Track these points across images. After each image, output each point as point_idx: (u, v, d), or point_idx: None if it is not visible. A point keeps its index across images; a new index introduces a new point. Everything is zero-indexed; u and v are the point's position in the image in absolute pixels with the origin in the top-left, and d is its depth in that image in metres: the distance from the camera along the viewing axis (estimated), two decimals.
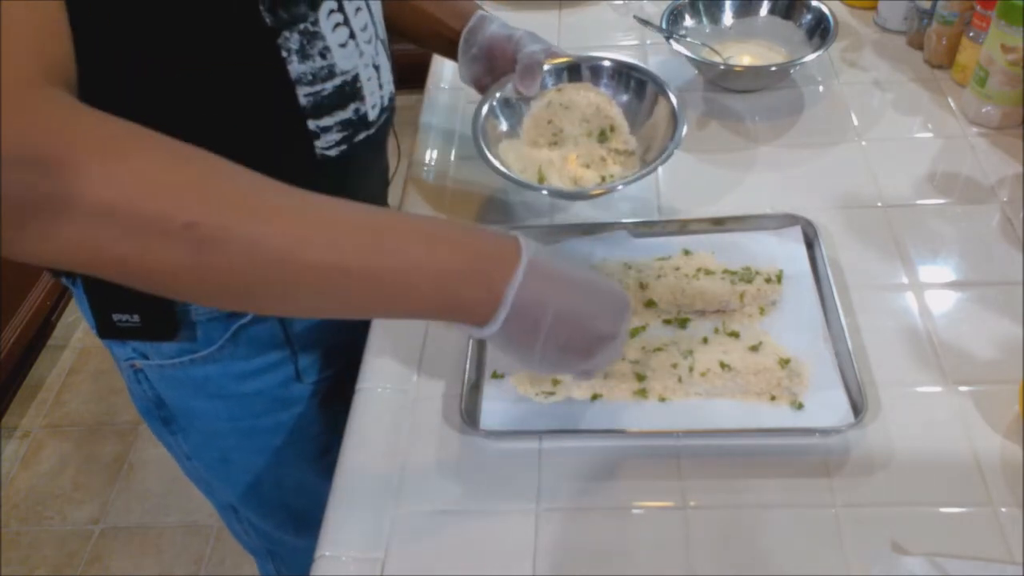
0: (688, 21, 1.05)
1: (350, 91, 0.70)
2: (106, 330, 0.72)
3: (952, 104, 0.96)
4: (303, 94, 0.66)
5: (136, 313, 0.71)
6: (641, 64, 0.89)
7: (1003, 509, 0.60)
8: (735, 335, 0.72)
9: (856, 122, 0.95)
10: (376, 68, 0.73)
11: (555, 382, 0.69)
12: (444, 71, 1.09)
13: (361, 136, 0.73)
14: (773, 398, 0.67)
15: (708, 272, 0.75)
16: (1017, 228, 0.80)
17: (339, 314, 0.55)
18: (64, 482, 1.81)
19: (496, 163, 0.81)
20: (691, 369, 0.69)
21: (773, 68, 0.98)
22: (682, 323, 0.74)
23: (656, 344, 0.71)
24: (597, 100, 0.86)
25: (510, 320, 0.53)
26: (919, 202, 0.85)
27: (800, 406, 0.66)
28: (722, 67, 0.97)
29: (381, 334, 0.77)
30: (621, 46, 1.11)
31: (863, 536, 0.60)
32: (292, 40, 0.63)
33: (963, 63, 0.96)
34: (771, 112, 0.97)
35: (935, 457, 0.64)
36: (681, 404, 0.67)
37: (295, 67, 0.65)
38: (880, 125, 0.94)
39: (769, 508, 0.62)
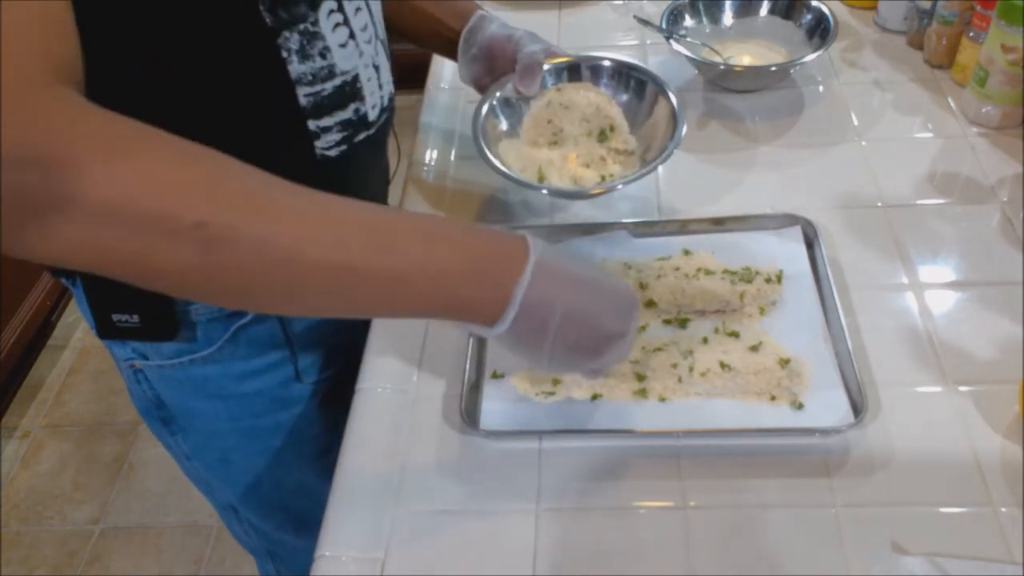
0: (688, 21, 1.05)
1: (350, 91, 0.70)
2: (106, 330, 0.72)
3: (952, 104, 0.96)
4: (303, 94, 0.66)
5: (136, 313, 0.71)
6: (641, 64, 0.89)
7: (1003, 509, 0.60)
8: (735, 335, 0.72)
9: (856, 122, 0.95)
10: (376, 68, 0.73)
11: (555, 382, 0.69)
12: (444, 71, 1.09)
13: (361, 136, 0.73)
14: (773, 398, 0.67)
15: (708, 272, 0.75)
16: (1017, 228, 0.80)
17: (346, 314, 0.55)
18: (64, 482, 1.81)
19: (496, 162, 0.81)
20: (691, 369, 0.69)
21: (773, 68, 0.98)
22: (682, 323, 0.74)
23: (656, 344, 0.71)
24: (597, 100, 0.86)
25: (519, 320, 0.53)
26: (919, 202, 0.85)
27: (800, 406, 0.66)
28: (722, 67, 0.97)
29: (381, 334, 0.77)
30: (621, 46, 1.11)
31: (863, 536, 0.60)
32: (292, 40, 0.63)
33: (963, 63, 0.96)
34: (771, 112, 0.97)
35: (935, 457, 0.64)
36: (681, 404, 0.67)
37: (295, 67, 0.65)
38: (880, 125, 0.94)
39: (769, 508, 0.62)
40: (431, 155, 0.97)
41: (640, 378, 0.69)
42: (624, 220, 0.82)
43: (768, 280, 0.75)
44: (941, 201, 0.85)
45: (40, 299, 2.06)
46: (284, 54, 0.63)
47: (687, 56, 0.98)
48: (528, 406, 0.69)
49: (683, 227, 0.81)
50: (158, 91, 0.60)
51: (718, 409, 0.67)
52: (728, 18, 1.06)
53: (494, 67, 0.86)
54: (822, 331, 0.71)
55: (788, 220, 0.80)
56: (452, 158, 0.96)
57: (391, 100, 0.78)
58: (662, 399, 0.68)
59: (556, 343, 0.55)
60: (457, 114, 1.02)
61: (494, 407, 0.69)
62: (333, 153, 0.71)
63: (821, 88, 1.00)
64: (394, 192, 0.94)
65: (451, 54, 0.88)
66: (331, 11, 0.66)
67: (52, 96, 0.45)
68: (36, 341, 2.07)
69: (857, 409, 0.64)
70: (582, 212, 0.87)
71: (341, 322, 0.84)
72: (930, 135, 0.92)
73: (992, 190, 0.85)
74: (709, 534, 0.61)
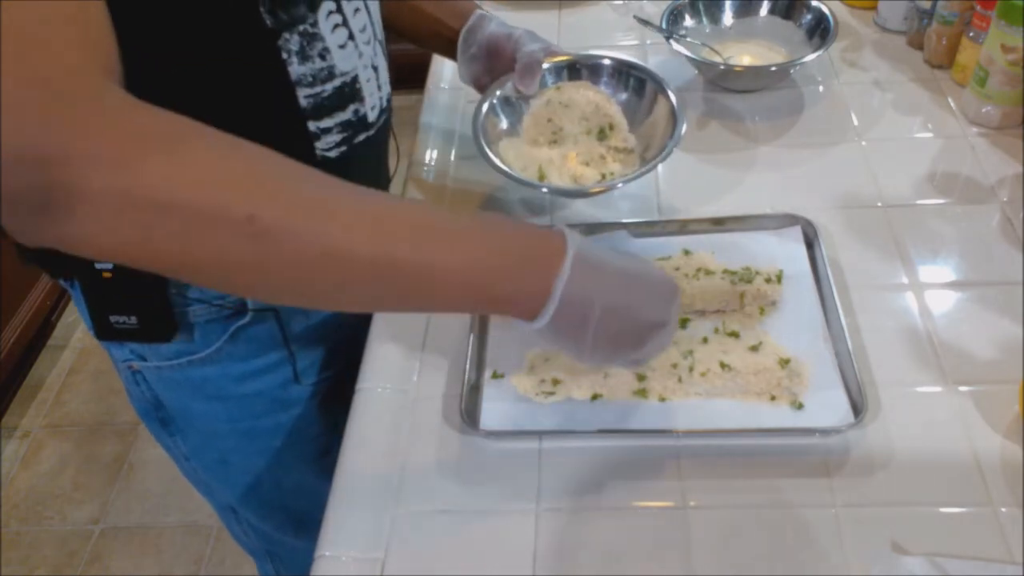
0: (688, 21, 1.05)
1: (349, 92, 0.70)
2: (104, 332, 0.72)
3: (952, 104, 0.95)
4: (303, 96, 0.66)
5: (133, 315, 0.71)
6: (640, 62, 0.89)
7: (1003, 509, 0.60)
8: (735, 335, 0.72)
9: (856, 122, 0.95)
10: (375, 69, 0.73)
11: (555, 382, 0.69)
12: (444, 71, 1.09)
13: (361, 137, 0.73)
14: (773, 398, 0.67)
15: (708, 272, 0.75)
16: (1017, 228, 0.80)
17: (388, 308, 0.56)
18: (64, 482, 1.81)
19: (497, 161, 0.81)
20: (691, 369, 0.69)
21: (773, 68, 0.97)
22: (682, 323, 0.73)
23: None
24: (596, 98, 0.86)
25: (559, 314, 0.53)
26: (919, 202, 0.84)
27: (800, 406, 0.66)
28: (722, 67, 0.97)
29: (381, 334, 0.77)
30: (621, 46, 1.11)
31: (863, 536, 0.60)
32: (292, 42, 0.63)
33: (963, 63, 0.96)
34: (771, 112, 0.97)
35: (935, 457, 0.64)
36: (681, 404, 0.67)
37: (295, 68, 0.65)
38: (880, 125, 0.94)
39: (769, 508, 0.62)
40: (431, 155, 0.97)
41: (640, 378, 0.69)
42: (624, 220, 0.82)
43: (768, 280, 0.75)
44: (941, 201, 0.85)
45: (40, 299, 2.06)
46: (284, 55, 0.63)
47: (687, 56, 0.98)
48: (528, 406, 0.69)
49: (683, 227, 0.81)
50: (160, 92, 0.60)
51: (718, 409, 0.67)
52: (728, 18, 1.06)
53: (493, 66, 0.86)
54: (822, 331, 0.71)
55: (788, 220, 0.80)
56: (452, 158, 0.96)
57: (389, 101, 0.78)
58: (662, 399, 0.68)
59: (597, 335, 0.55)
60: (457, 114, 1.02)
61: (494, 407, 0.69)
62: (333, 154, 0.71)
63: (821, 88, 1.00)
64: (394, 192, 0.94)
65: (450, 53, 0.88)
66: (330, 12, 0.66)
67: (102, 92, 0.45)
68: (36, 341, 2.07)
69: (857, 409, 0.64)
70: (582, 211, 0.87)
71: (341, 322, 0.84)
72: (930, 135, 0.92)
73: (992, 190, 0.85)
74: (709, 534, 0.61)
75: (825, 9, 1.00)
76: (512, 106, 0.87)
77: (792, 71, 1.00)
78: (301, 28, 0.63)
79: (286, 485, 0.91)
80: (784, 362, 0.68)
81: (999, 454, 0.63)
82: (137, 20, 0.57)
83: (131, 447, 1.86)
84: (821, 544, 0.59)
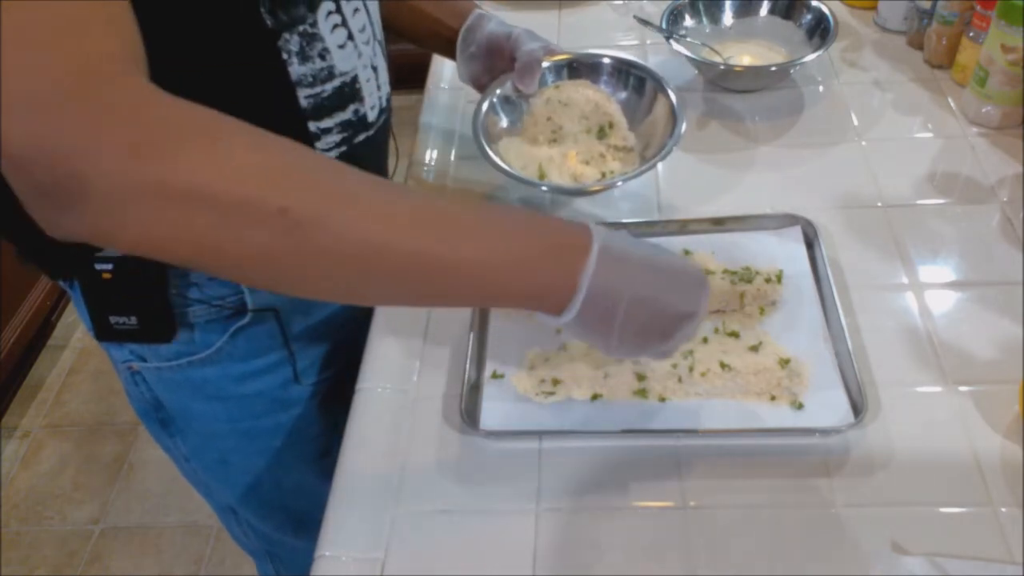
0: (688, 21, 1.05)
1: (349, 92, 0.70)
2: (103, 332, 0.72)
3: (952, 104, 0.95)
4: (303, 96, 0.66)
5: (133, 315, 0.71)
6: (640, 61, 0.89)
7: (1003, 509, 0.60)
8: (735, 335, 0.72)
9: (856, 122, 0.95)
10: (374, 69, 0.73)
11: (555, 382, 0.69)
12: (444, 71, 1.09)
13: (361, 137, 0.73)
14: (773, 398, 0.67)
15: (708, 272, 0.75)
16: (1017, 228, 0.80)
17: (414, 302, 0.56)
18: (64, 482, 1.81)
19: (497, 160, 0.81)
20: (691, 369, 0.69)
21: (773, 68, 0.97)
22: None
23: None
24: (595, 97, 0.86)
25: (586, 307, 0.53)
26: (919, 202, 0.84)
27: (800, 406, 0.66)
28: (722, 67, 0.97)
29: (381, 334, 0.77)
30: (621, 46, 1.11)
31: (863, 536, 0.60)
32: (292, 42, 0.63)
33: (963, 63, 0.96)
34: (771, 112, 0.97)
35: (935, 457, 0.64)
36: (681, 404, 0.67)
37: (295, 69, 0.65)
38: (880, 125, 0.94)
39: (769, 508, 0.62)
40: (431, 155, 0.97)
41: (640, 378, 0.69)
42: (624, 220, 0.82)
43: (768, 280, 0.75)
44: (941, 201, 0.85)
45: (40, 299, 2.06)
46: (284, 56, 0.63)
47: (687, 56, 0.98)
48: (528, 406, 0.69)
49: (683, 227, 0.81)
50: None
51: (718, 409, 0.67)
52: (728, 18, 1.06)
53: (493, 66, 0.86)
54: (822, 331, 0.71)
55: (788, 220, 0.80)
56: (452, 158, 0.96)
57: (389, 101, 0.78)
58: (662, 399, 0.68)
59: (625, 328, 0.55)
60: (457, 114, 1.02)
61: (494, 407, 0.69)
62: (333, 154, 0.71)
63: (821, 88, 1.00)
64: None
65: (449, 53, 0.88)
66: (329, 12, 0.66)
67: (133, 85, 0.45)
68: (36, 341, 2.07)
69: (857, 409, 0.64)
70: (582, 210, 0.87)
71: (340, 322, 0.84)
72: (930, 135, 0.92)
73: (992, 190, 0.85)
74: (709, 534, 0.61)
75: (825, 9, 1.00)
76: (512, 105, 0.87)
77: (792, 71, 1.00)
78: (301, 28, 0.63)
79: (286, 485, 0.91)
80: (784, 362, 0.68)
81: (999, 454, 0.63)
82: (139, 22, 0.57)
83: (131, 447, 1.86)
84: (821, 544, 0.59)
